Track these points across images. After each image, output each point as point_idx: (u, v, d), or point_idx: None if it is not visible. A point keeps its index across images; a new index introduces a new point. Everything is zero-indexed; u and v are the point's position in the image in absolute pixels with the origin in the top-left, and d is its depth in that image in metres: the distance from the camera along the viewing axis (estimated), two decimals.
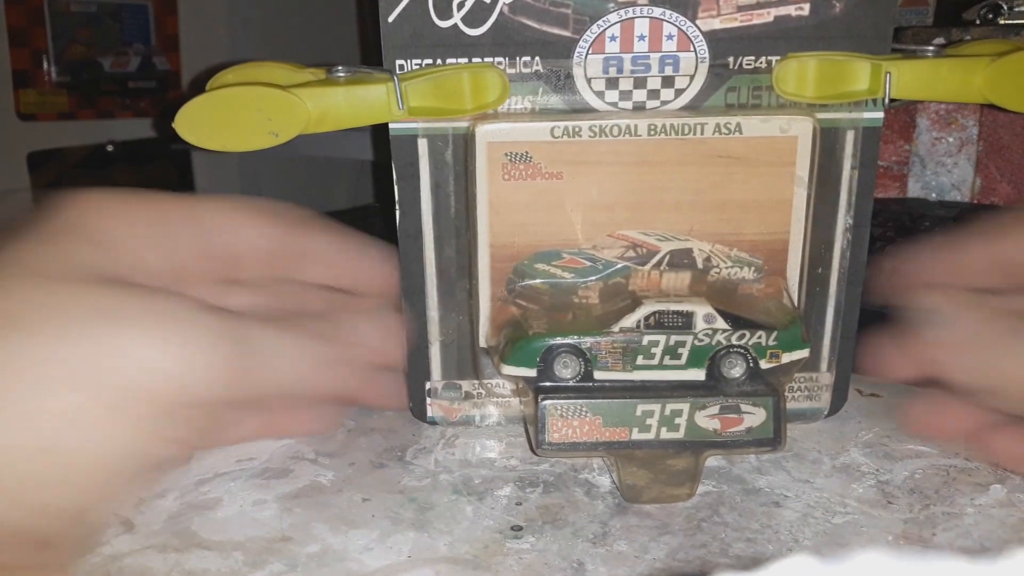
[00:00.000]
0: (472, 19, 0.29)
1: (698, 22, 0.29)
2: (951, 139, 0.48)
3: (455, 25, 0.29)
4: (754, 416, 0.28)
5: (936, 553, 0.12)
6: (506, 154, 0.29)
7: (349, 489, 0.29)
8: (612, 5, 0.29)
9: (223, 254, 0.30)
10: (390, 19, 0.29)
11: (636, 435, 0.28)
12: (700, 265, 0.31)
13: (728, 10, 0.29)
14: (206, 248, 0.29)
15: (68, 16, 1.16)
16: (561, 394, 0.28)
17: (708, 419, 0.28)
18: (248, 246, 0.30)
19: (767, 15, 0.29)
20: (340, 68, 0.30)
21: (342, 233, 0.32)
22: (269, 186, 1.27)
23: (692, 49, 0.29)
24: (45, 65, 1.15)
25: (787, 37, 0.29)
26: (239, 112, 0.29)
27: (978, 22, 0.48)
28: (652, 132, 0.29)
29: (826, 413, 0.34)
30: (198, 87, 0.31)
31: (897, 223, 0.44)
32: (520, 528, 0.27)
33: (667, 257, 0.30)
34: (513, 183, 0.30)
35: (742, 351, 0.29)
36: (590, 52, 0.29)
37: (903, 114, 0.48)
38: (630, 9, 0.29)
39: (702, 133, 0.29)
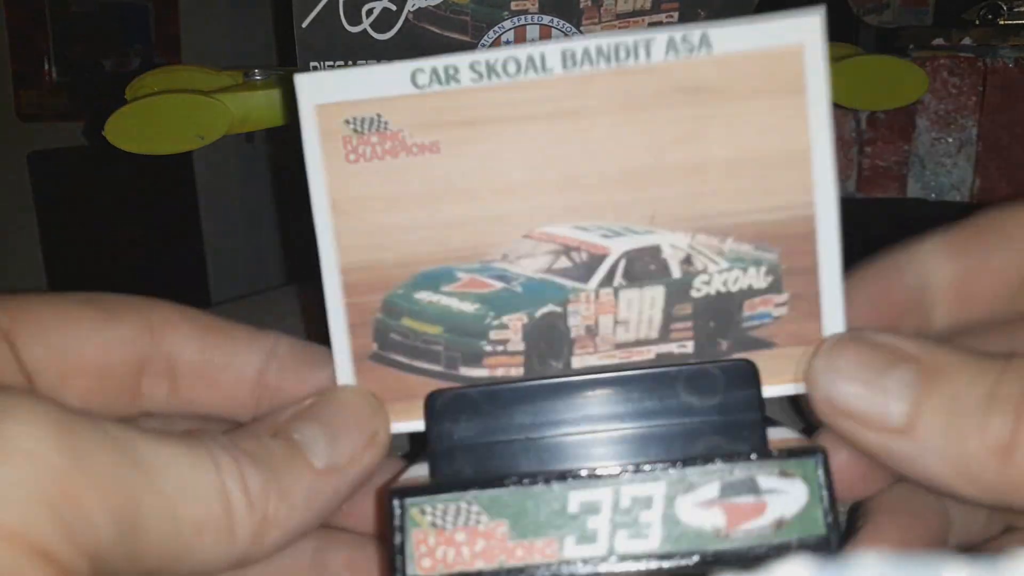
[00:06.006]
0: (380, 25, 0.31)
1: (582, 28, 0.32)
2: (950, 140, 0.48)
3: (364, 31, 0.31)
4: (786, 496, 0.17)
5: (936, 553, 0.12)
6: (348, 121, 0.20)
7: None
8: (506, 13, 0.31)
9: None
10: (304, 24, 0.31)
11: (572, 551, 0.17)
12: (676, 272, 0.20)
13: (608, 18, 0.32)
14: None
15: (69, 17, 1.17)
16: (433, 490, 0.17)
17: (702, 510, 0.17)
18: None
19: (642, 22, 0.32)
20: (257, 71, 0.33)
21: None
22: (268, 173, 1.27)
23: None
24: (46, 66, 1.15)
25: None
26: (166, 118, 0.30)
27: (977, 22, 0.48)
28: (570, 63, 0.19)
29: None
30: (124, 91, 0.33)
31: (896, 223, 0.44)
32: None
33: (621, 263, 0.20)
34: (364, 166, 0.20)
35: None
36: None
37: (902, 115, 0.49)
38: (522, 17, 0.31)
39: (648, 57, 0.19)
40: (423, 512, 0.17)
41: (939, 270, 0.20)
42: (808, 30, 0.19)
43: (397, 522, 0.17)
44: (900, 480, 0.19)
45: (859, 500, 0.20)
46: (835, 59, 0.35)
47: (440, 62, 0.19)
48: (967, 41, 0.48)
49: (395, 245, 0.20)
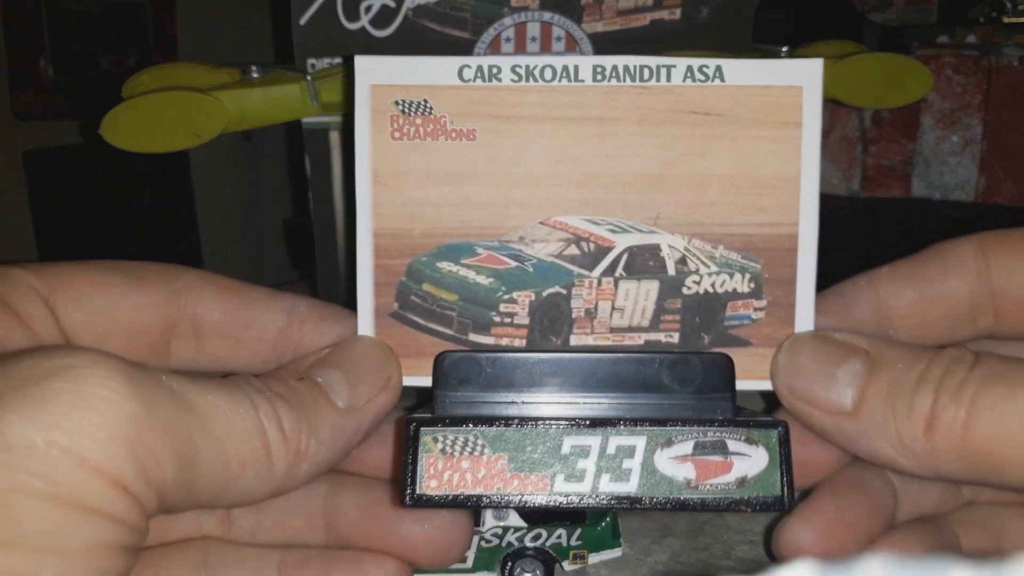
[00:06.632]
0: (378, 22, 0.31)
1: (583, 26, 0.32)
2: (955, 138, 0.48)
3: (363, 28, 0.31)
4: (750, 460, 0.20)
5: (937, 556, 0.12)
6: (397, 102, 0.22)
7: None
8: (506, 10, 0.31)
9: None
10: (301, 22, 0.31)
11: (561, 486, 0.19)
12: (671, 270, 0.23)
13: (610, 15, 0.32)
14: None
15: (66, 15, 1.16)
16: (446, 421, 0.20)
17: (676, 463, 0.20)
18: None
19: (644, 19, 0.32)
20: (254, 68, 0.32)
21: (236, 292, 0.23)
22: (266, 171, 1.27)
23: (578, 50, 0.32)
24: (42, 64, 1.14)
25: (661, 39, 0.33)
26: (163, 116, 0.30)
27: (982, 20, 0.48)
28: (599, 76, 0.22)
29: None
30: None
31: (900, 222, 0.44)
32: None
33: (624, 257, 0.23)
34: (407, 144, 0.22)
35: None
36: (487, 52, 0.31)
37: (907, 113, 0.48)
38: (523, 13, 0.31)
39: (668, 79, 0.22)
40: (435, 440, 0.19)
41: (892, 297, 0.22)
42: (809, 73, 0.22)
43: (412, 446, 0.19)
44: (851, 463, 0.22)
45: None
46: (839, 57, 0.34)
47: (485, 61, 0.22)
48: (971, 39, 0.48)
49: (424, 217, 0.22)
